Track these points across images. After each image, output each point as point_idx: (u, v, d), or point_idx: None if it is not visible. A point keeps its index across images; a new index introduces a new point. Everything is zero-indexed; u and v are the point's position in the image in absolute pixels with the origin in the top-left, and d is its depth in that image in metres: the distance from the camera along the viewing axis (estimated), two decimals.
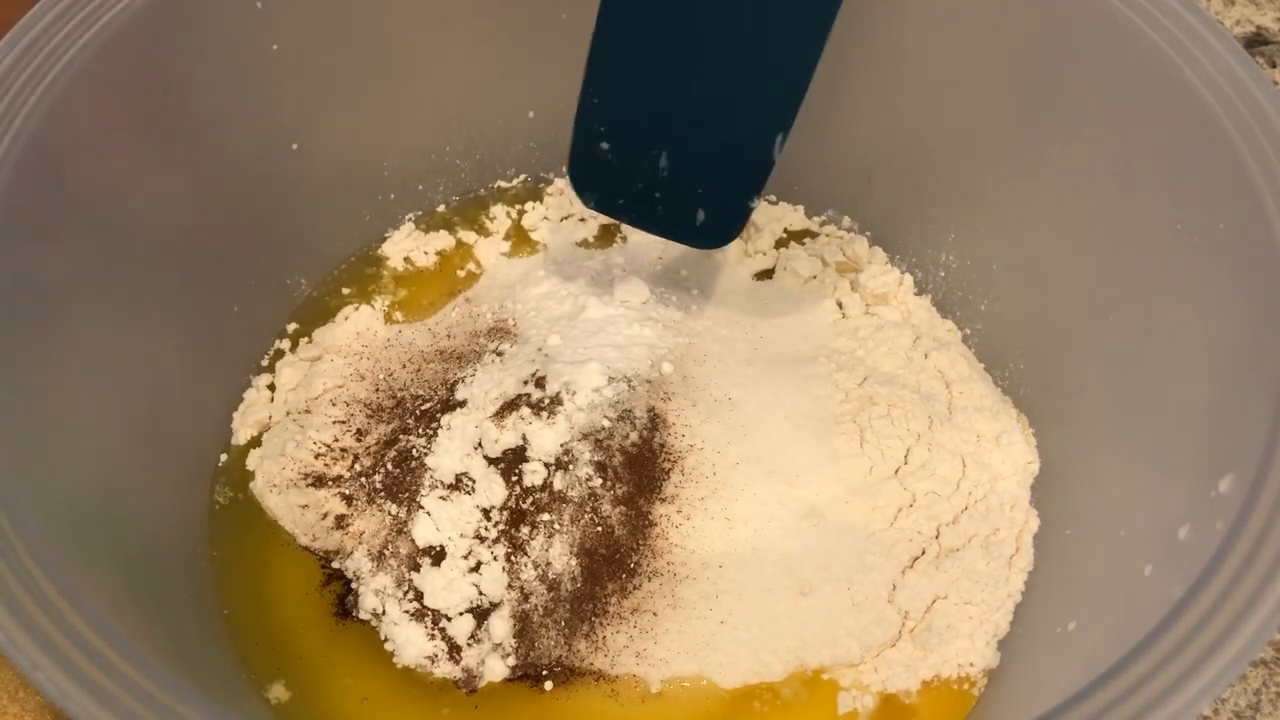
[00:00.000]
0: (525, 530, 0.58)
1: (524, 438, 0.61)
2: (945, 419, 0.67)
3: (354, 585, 0.60)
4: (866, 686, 0.58)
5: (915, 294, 0.75)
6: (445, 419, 0.63)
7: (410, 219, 0.79)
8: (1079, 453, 0.64)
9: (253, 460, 0.66)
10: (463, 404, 0.64)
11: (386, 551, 0.60)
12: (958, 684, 0.59)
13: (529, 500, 0.59)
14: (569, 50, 0.75)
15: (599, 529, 0.59)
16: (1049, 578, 0.61)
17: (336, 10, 0.66)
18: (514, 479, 0.60)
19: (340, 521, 0.62)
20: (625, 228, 0.78)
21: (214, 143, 0.63)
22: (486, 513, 0.59)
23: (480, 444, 0.61)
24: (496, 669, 0.57)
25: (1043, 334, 0.68)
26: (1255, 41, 0.95)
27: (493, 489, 0.59)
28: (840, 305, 0.74)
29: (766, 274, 0.77)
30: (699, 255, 0.76)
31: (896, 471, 0.64)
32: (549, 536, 0.59)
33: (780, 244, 0.78)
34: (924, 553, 0.62)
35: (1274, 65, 0.93)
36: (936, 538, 0.63)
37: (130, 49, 0.56)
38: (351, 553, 0.61)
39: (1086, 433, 0.63)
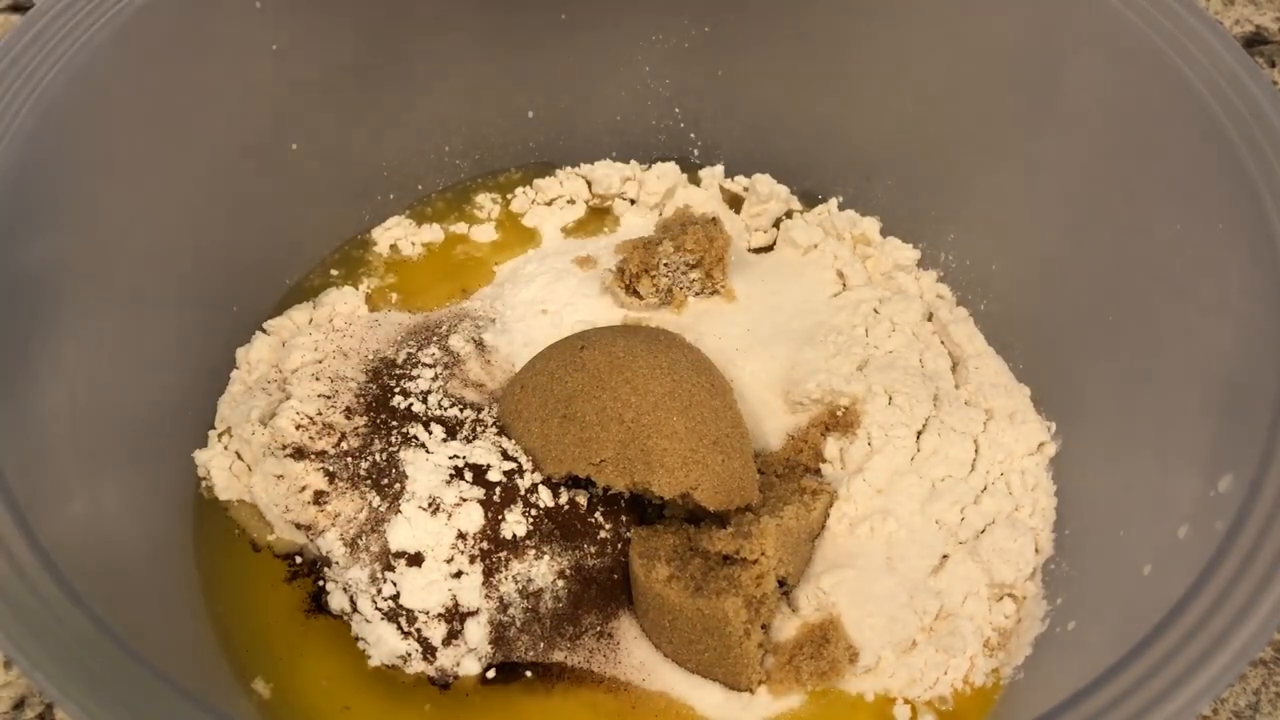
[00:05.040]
0: (504, 554, 0.58)
1: (504, 453, 0.61)
2: (952, 397, 0.67)
3: (323, 583, 0.60)
4: (885, 692, 0.58)
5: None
6: (431, 434, 0.63)
7: (404, 211, 0.79)
8: (1078, 453, 0.64)
9: (219, 423, 0.66)
10: (448, 419, 0.64)
11: (360, 542, 0.59)
12: (981, 686, 0.59)
13: (509, 533, 0.59)
14: (569, 50, 0.75)
15: (583, 547, 0.60)
16: (1048, 578, 0.61)
17: (336, 11, 0.66)
18: (490, 511, 0.59)
19: (319, 498, 0.61)
20: (616, 211, 0.78)
21: (212, 143, 0.63)
22: (463, 535, 0.59)
23: (463, 463, 0.61)
24: (471, 669, 0.57)
25: (1042, 334, 0.68)
26: (1255, 41, 0.95)
27: (471, 517, 0.58)
28: (841, 276, 0.74)
29: (765, 249, 0.77)
30: None
31: (911, 460, 0.64)
32: (536, 559, 0.58)
33: (778, 224, 0.78)
34: (946, 557, 0.62)
35: (1273, 65, 0.93)
36: (957, 537, 0.62)
37: (130, 48, 0.56)
38: (324, 531, 0.60)
39: (1086, 433, 0.63)
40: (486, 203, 0.79)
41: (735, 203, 0.79)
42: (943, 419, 0.65)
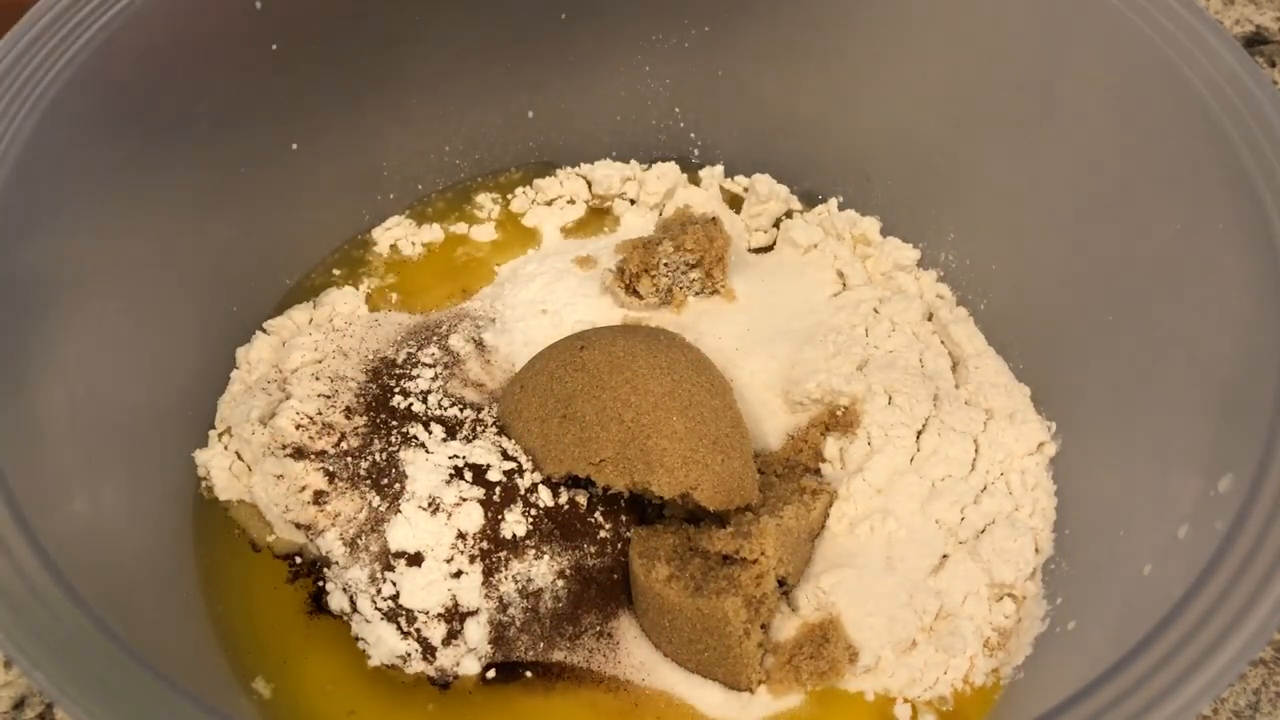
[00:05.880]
0: (504, 554, 0.58)
1: (504, 453, 0.61)
2: (952, 397, 0.67)
3: (324, 583, 0.60)
4: (885, 691, 0.58)
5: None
6: (431, 434, 0.63)
7: (404, 211, 0.79)
8: (1078, 452, 0.64)
9: (219, 423, 0.66)
10: (448, 419, 0.64)
11: (360, 542, 0.59)
12: (981, 686, 0.59)
13: (509, 533, 0.59)
14: (569, 50, 0.75)
15: (582, 547, 0.60)
16: (1048, 578, 0.61)
17: (336, 11, 0.66)
18: (490, 511, 0.59)
19: (318, 498, 0.61)
20: (616, 211, 0.78)
21: (212, 143, 0.63)
22: (463, 535, 0.59)
23: (463, 463, 0.61)
24: (471, 669, 0.57)
25: (1042, 334, 0.68)
26: (1255, 41, 0.95)
27: (471, 517, 0.58)
28: (841, 275, 0.74)
29: (765, 249, 0.77)
30: None
31: (911, 460, 0.64)
32: (536, 559, 0.58)
33: (778, 224, 0.78)
34: (946, 556, 0.62)
35: (1274, 65, 0.93)
36: (957, 536, 0.62)
37: (131, 48, 0.56)
38: (324, 531, 0.60)
39: (1085, 432, 0.63)
40: (486, 203, 0.79)
41: (735, 203, 0.79)
42: (943, 419, 0.65)
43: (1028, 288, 0.68)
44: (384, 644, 0.57)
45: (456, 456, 0.61)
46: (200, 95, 0.61)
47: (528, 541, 0.58)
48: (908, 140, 0.72)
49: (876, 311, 0.71)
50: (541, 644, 0.58)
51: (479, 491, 0.59)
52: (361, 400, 0.65)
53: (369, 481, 0.61)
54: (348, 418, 0.64)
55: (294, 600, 0.61)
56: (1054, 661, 0.56)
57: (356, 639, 0.58)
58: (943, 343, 0.71)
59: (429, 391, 0.65)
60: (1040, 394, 0.67)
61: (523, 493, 0.60)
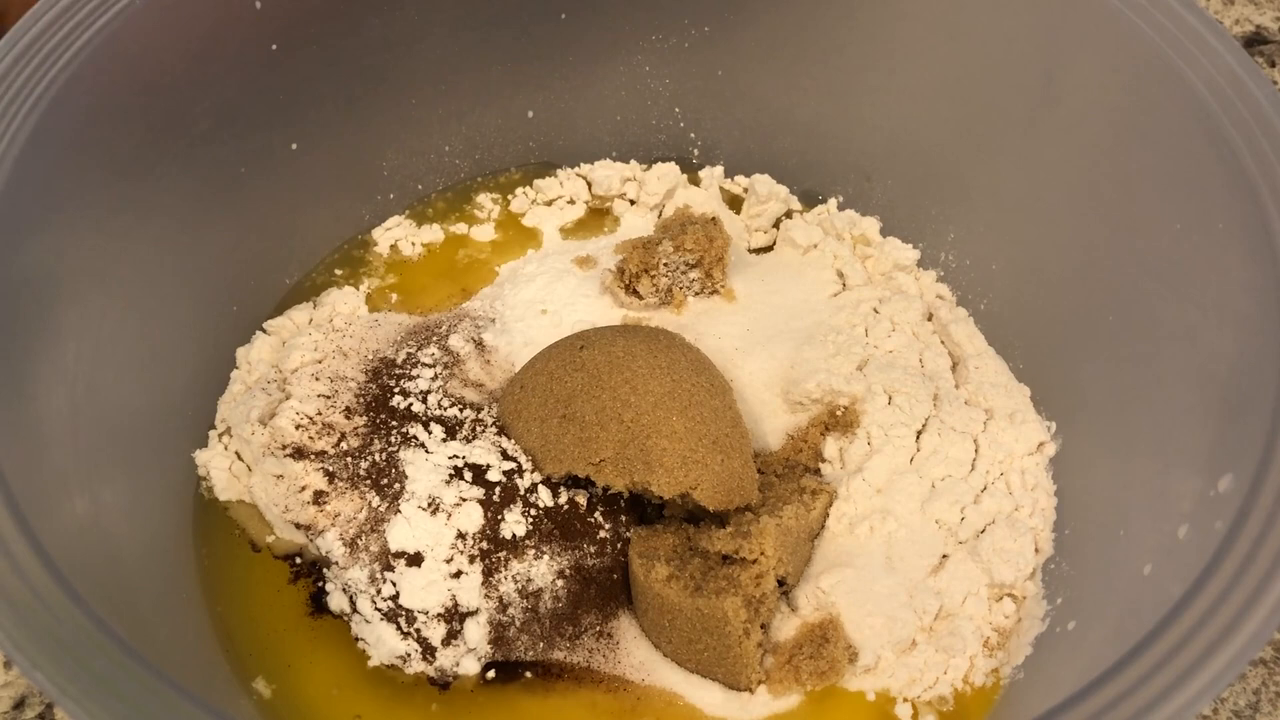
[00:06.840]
0: (503, 554, 0.58)
1: (504, 453, 0.61)
2: (952, 397, 0.67)
3: (324, 583, 0.60)
4: (885, 691, 0.58)
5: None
6: (431, 434, 0.63)
7: (404, 211, 0.79)
8: (1078, 452, 0.64)
9: (219, 423, 0.66)
10: (447, 419, 0.64)
11: (360, 542, 0.59)
12: (981, 686, 0.59)
13: (508, 533, 0.59)
14: (569, 50, 0.75)
15: (582, 547, 0.60)
16: (1048, 578, 0.61)
17: (336, 11, 0.66)
18: (490, 511, 0.59)
19: (318, 498, 0.61)
20: (616, 211, 0.78)
21: (212, 143, 0.63)
22: (463, 535, 0.59)
23: (463, 463, 0.61)
24: (471, 669, 0.57)
25: (1042, 334, 0.68)
26: (1255, 41, 0.95)
27: (471, 517, 0.58)
28: (841, 275, 0.74)
29: (765, 249, 0.77)
30: None
31: (911, 460, 0.64)
32: (536, 559, 0.58)
33: (778, 225, 0.78)
34: (946, 556, 0.62)
35: (1273, 65, 0.93)
36: (957, 536, 0.62)
37: (130, 48, 0.56)
38: (324, 531, 0.60)
39: (1086, 432, 0.64)
40: (486, 203, 0.79)
41: (735, 203, 0.79)
42: (943, 419, 0.65)
43: (1028, 288, 0.68)
44: (384, 644, 0.57)
45: (456, 456, 0.61)
46: (200, 95, 0.61)
47: (527, 541, 0.58)
48: (908, 140, 0.72)
49: (876, 311, 0.71)
50: (541, 644, 0.58)
51: (479, 491, 0.59)
52: (361, 400, 0.65)
53: (369, 481, 0.61)
54: (348, 418, 0.64)
55: (294, 600, 0.61)
56: (1054, 661, 0.56)
57: (356, 639, 0.58)
58: (943, 343, 0.71)
59: (429, 391, 0.65)
60: (1040, 394, 0.67)
61: (522, 493, 0.60)
